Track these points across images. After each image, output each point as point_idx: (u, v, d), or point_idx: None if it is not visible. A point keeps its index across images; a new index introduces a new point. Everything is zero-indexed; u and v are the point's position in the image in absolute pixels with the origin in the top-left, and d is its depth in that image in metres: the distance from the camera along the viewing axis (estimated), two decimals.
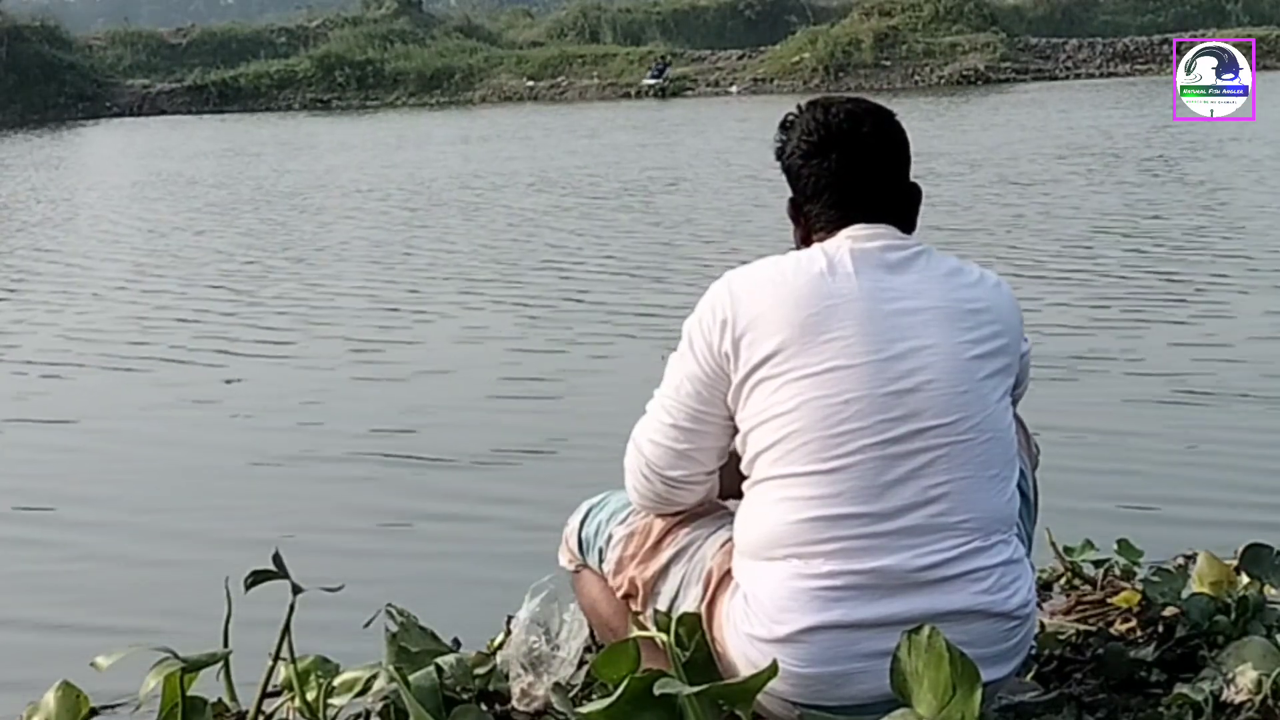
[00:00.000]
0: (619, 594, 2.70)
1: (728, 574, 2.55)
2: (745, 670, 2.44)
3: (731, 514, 2.65)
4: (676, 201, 14.75)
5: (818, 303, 2.44)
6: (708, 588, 2.57)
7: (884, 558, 2.41)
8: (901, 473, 2.42)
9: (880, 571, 2.41)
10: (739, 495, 2.61)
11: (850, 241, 2.51)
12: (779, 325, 2.43)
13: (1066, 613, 3.35)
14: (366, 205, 15.62)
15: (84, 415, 7.05)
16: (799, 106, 2.67)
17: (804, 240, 2.62)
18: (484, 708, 2.88)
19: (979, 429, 2.46)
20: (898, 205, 2.60)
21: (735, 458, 2.56)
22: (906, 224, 2.61)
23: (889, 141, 2.61)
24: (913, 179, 2.67)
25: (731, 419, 2.51)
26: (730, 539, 2.58)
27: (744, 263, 2.57)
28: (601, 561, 2.74)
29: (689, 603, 2.58)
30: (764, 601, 2.45)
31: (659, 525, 2.67)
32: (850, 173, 2.56)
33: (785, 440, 2.43)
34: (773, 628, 2.43)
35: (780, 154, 2.66)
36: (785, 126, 2.66)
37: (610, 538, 2.72)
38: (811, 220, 2.60)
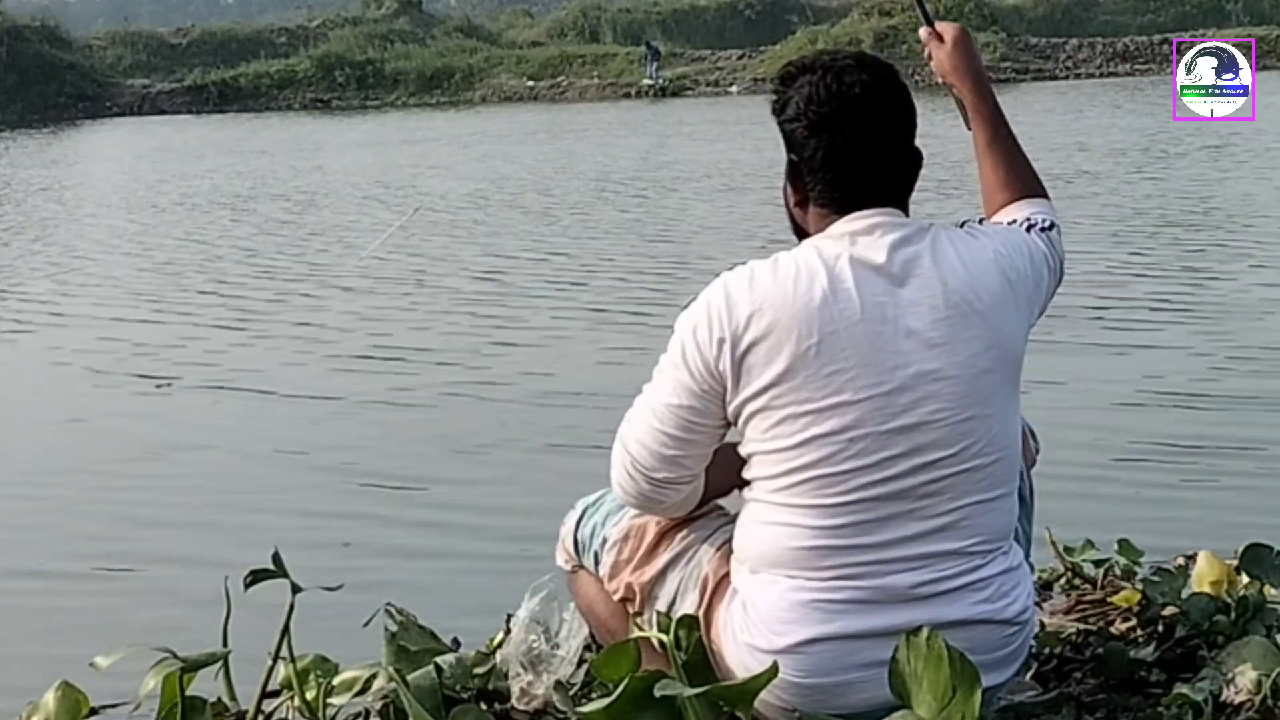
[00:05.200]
0: (616, 597, 2.68)
1: (724, 579, 2.53)
2: (742, 677, 2.43)
3: (727, 514, 2.63)
4: (675, 200, 14.78)
5: (820, 329, 2.34)
6: (704, 594, 2.55)
7: (885, 579, 2.40)
8: (905, 507, 2.39)
9: (881, 589, 2.40)
10: (725, 494, 2.59)
11: (849, 244, 2.41)
12: (779, 353, 2.35)
13: (1066, 612, 3.35)
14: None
15: (72, 413, 7.06)
16: (804, 61, 2.51)
17: (799, 204, 2.50)
18: (483, 707, 2.88)
19: (984, 452, 2.42)
20: (901, 179, 2.49)
21: (723, 456, 2.51)
22: (907, 193, 2.50)
23: (899, 115, 2.48)
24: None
25: (723, 426, 2.46)
26: (725, 542, 2.56)
27: (741, 262, 2.47)
28: (597, 564, 2.71)
29: (686, 608, 2.56)
30: (764, 612, 2.43)
31: (654, 529, 2.64)
32: (858, 154, 2.43)
33: (787, 475, 2.39)
34: (772, 639, 2.41)
35: (779, 111, 2.50)
36: (787, 81, 2.49)
37: (605, 541, 2.69)
38: (810, 190, 2.47)
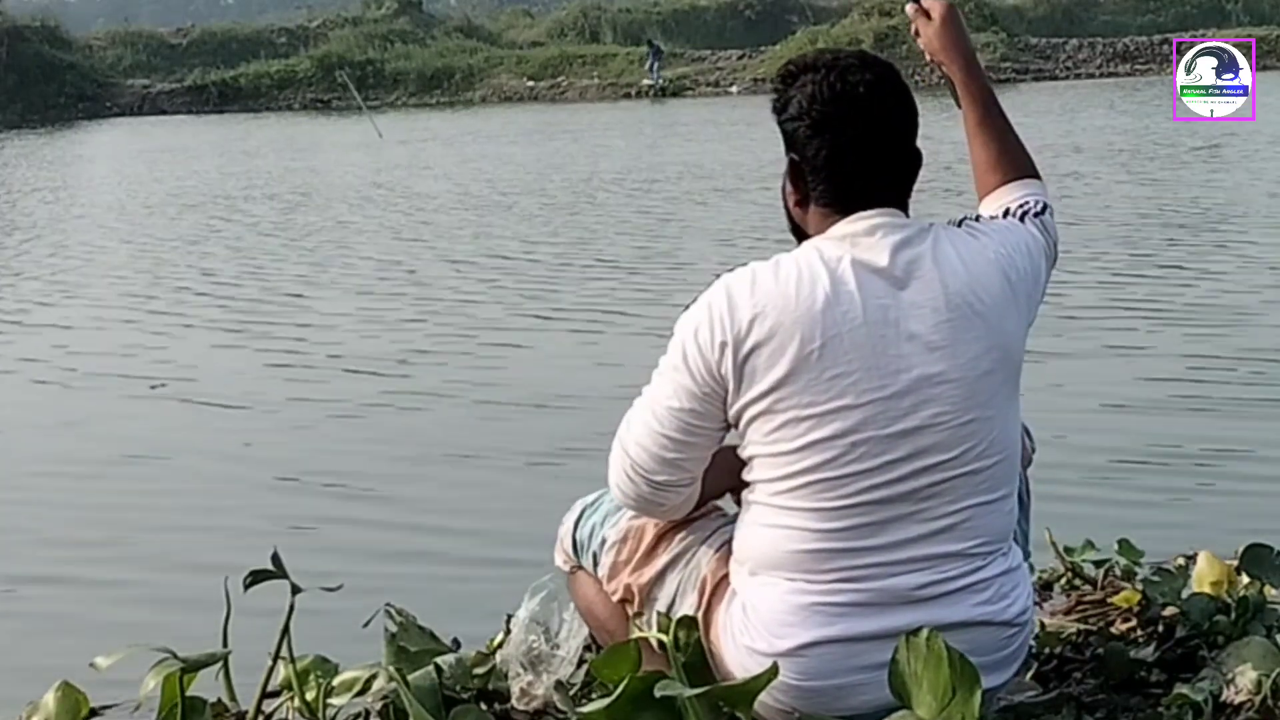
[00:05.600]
0: (614, 598, 2.67)
1: (723, 580, 2.53)
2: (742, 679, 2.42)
3: (725, 516, 2.62)
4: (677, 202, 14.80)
5: (822, 334, 2.33)
6: (702, 596, 2.54)
7: (887, 581, 2.40)
8: (906, 510, 2.39)
9: (882, 590, 2.40)
10: (720, 496, 2.59)
11: (851, 245, 2.40)
12: (782, 356, 2.34)
13: (1067, 612, 3.35)
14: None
15: (74, 414, 7.05)
16: (805, 60, 2.48)
17: (799, 203, 2.48)
18: (483, 707, 2.88)
19: (986, 454, 2.42)
20: (902, 180, 2.47)
21: (719, 458, 2.51)
22: (907, 194, 2.48)
23: (902, 115, 2.46)
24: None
25: (723, 428, 2.45)
26: (724, 544, 2.55)
27: (725, 266, 2.46)
28: (596, 565, 2.70)
29: (685, 610, 2.55)
30: (764, 615, 2.42)
31: (652, 530, 2.63)
32: (861, 154, 2.41)
33: (789, 479, 2.38)
34: (773, 642, 2.41)
35: (780, 110, 2.47)
36: (788, 79, 2.46)
37: (604, 541, 2.68)
38: (811, 189, 2.45)
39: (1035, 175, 2.71)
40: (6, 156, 26.55)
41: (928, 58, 2.77)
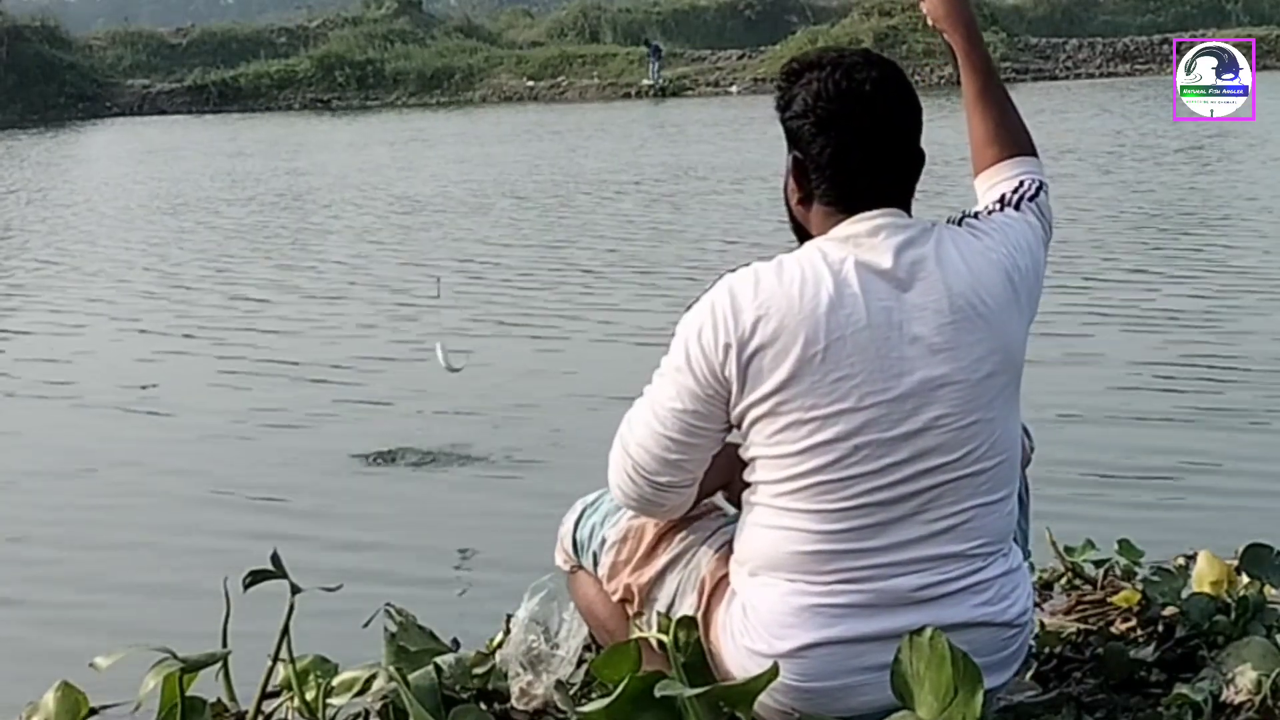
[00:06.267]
0: (614, 598, 2.67)
1: (722, 580, 2.53)
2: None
3: (725, 516, 2.62)
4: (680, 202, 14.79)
5: (826, 336, 2.33)
6: (701, 596, 2.54)
7: (887, 582, 2.39)
8: (907, 510, 2.38)
9: (883, 591, 2.40)
10: (714, 494, 2.59)
11: (854, 246, 2.39)
12: (786, 358, 2.33)
13: (1067, 612, 3.35)
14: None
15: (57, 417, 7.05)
16: (808, 58, 2.47)
17: (802, 202, 2.47)
18: (483, 707, 2.88)
19: (988, 456, 2.41)
20: (905, 179, 2.46)
21: (721, 457, 2.50)
22: (910, 193, 2.47)
23: (906, 114, 2.45)
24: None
25: (725, 429, 2.45)
26: (724, 544, 2.55)
27: (744, 263, 2.45)
28: (596, 565, 2.70)
29: (684, 610, 2.55)
30: (764, 615, 2.42)
31: (652, 530, 2.62)
32: (866, 152, 2.40)
33: (791, 480, 2.38)
34: (774, 643, 2.40)
35: (783, 108, 2.45)
36: (792, 77, 2.45)
37: (604, 541, 2.67)
38: (814, 187, 2.44)
39: (1032, 152, 2.70)
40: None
41: (930, 24, 2.76)
